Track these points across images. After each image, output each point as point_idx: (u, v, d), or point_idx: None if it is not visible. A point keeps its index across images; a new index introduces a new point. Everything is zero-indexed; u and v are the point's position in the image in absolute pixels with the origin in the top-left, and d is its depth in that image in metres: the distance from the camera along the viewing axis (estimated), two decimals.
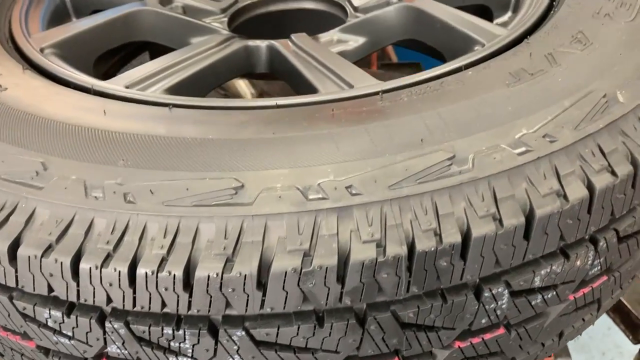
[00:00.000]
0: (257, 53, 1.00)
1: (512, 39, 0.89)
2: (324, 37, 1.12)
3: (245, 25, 1.23)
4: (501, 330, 0.73)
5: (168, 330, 0.65)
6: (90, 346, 0.69)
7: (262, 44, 0.99)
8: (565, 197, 0.66)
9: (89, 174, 0.67)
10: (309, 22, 1.25)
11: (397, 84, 0.80)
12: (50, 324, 0.69)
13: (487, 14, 1.18)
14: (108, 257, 0.62)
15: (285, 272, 0.61)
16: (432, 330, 0.69)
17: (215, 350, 0.67)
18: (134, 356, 0.69)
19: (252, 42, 0.99)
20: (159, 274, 0.61)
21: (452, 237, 0.63)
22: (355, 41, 1.12)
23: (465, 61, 0.84)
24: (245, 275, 0.61)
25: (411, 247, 0.62)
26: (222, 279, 0.61)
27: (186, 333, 0.65)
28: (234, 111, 0.76)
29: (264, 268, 0.61)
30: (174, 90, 0.90)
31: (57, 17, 1.19)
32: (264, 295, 0.62)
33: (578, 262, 0.72)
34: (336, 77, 0.86)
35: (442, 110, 0.72)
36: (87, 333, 0.68)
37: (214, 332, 0.66)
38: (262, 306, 0.63)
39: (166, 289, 0.62)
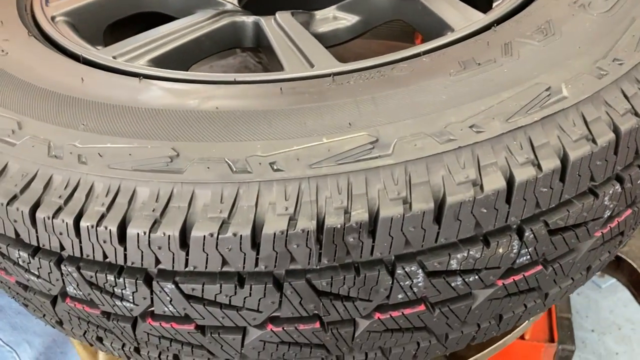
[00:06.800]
0: (244, 29, 1.05)
1: (481, 26, 0.90)
2: (321, 13, 1.15)
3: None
4: (422, 307, 0.77)
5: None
6: (53, 285, 0.79)
7: (248, 20, 1.04)
8: (481, 186, 0.69)
9: (53, 135, 0.76)
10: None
11: (353, 67, 0.84)
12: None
13: None
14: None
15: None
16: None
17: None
18: (88, 297, 0.78)
19: (239, 18, 1.04)
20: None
21: (360, 215, 0.67)
22: (349, 19, 1.15)
23: (425, 47, 0.86)
24: (170, 235, 0.68)
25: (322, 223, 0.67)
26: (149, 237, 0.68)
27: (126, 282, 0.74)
28: (194, 84, 0.82)
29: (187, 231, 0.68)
30: (159, 61, 0.97)
31: None
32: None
33: (500, 250, 0.74)
34: (302, 57, 0.91)
35: (378, 95, 0.75)
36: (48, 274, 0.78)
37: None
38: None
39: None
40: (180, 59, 0.99)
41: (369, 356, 0.84)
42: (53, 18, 1.07)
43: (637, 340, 2.65)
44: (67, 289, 0.78)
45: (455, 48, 0.84)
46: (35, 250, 0.77)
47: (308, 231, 0.67)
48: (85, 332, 0.88)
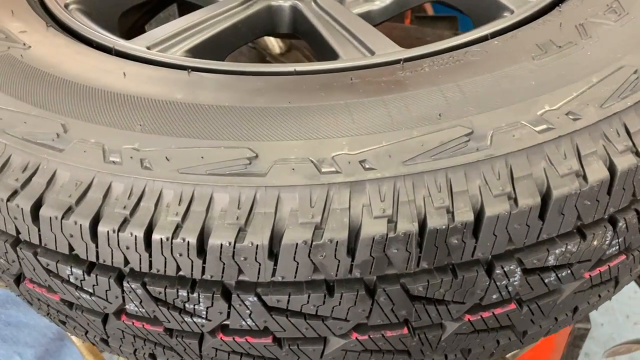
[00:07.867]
0: (280, 13, 0.98)
1: (542, 6, 0.86)
2: None
3: None
4: (512, 306, 0.73)
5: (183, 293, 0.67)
6: (110, 303, 0.72)
7: (285, 3, 0.97)
8: (584, 177, 0.65)
9: (107, 138, 0.68)
10: None
11: (420, 52, 0.78)
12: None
13: None
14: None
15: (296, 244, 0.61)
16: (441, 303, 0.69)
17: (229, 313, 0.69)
18: (151, 315, 0.71)
19: (275, 2, 0.97)
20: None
21: (465, 215, 0.62)
22: (383, 0, 1.09)
23: (492, 29, 0.81)
24: (257, 245, 0.62)
25: (423, 224, 0.62)
26: (234, 247, 0.62)
27: (200, 296, 0.67)
28: (251, 77, 0.75)
29: (275, 239, 0.62)
30: (195, 51, 0.89)
31: None
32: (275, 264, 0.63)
33: (595, 242, 0.71)
34: (358, 43, 0.85)
35: (462, 82, 0.70)
36: (106, 291, 0.71)
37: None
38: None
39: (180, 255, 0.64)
40: (217, 48, 0.91)
41: (448, 358, 0.80)
42: (67, 6, 0.97)
43: (620, 310, 2.72)
44: (127, 306, 0.71)
45: (525, 30, 0.80)
46: (91, 266, 0.69)
47: (410, 234, 0.62)
48: (137, 350, 0.81)
